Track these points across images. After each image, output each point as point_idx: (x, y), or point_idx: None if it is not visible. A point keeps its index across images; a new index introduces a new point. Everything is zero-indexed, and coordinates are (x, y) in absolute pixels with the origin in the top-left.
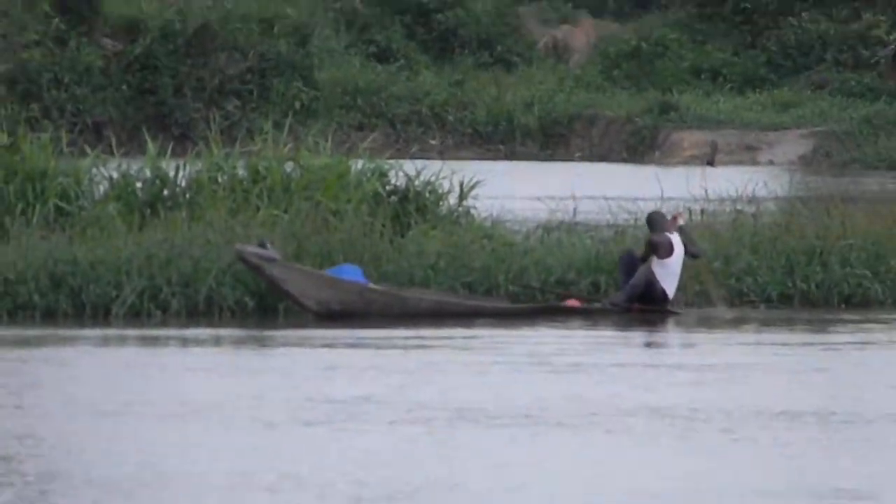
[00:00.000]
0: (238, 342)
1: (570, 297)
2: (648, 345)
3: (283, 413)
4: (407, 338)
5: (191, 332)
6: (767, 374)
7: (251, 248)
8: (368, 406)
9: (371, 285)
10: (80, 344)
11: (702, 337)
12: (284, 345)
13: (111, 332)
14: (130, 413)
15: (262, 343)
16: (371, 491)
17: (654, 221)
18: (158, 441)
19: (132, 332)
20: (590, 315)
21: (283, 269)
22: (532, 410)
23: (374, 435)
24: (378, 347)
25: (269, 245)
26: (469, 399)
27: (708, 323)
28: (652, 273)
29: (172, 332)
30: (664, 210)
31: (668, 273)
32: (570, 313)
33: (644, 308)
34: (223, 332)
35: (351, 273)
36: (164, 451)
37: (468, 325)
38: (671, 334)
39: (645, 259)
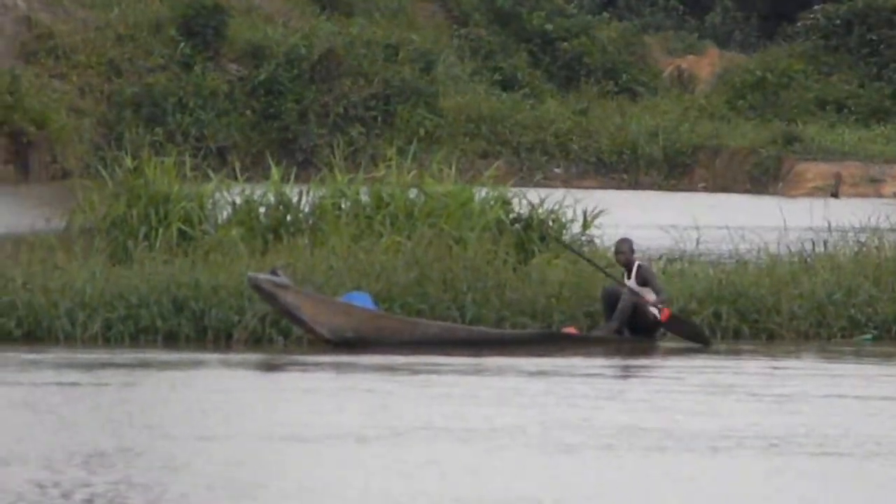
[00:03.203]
0: (420, 368)
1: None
2: (834, 375)
3: (578, 437)
4: (573, 367)
5: (364, 359)
6: None
7: (264, 276)
8: (630, 432)
9: (381, 312)
10: (245, 367)
11: (864, 368)
12: (463, 374)
13: (255, 356)
14: (405, 436)
15: (455, 371)
16: None
17: (629, 248)
18: (456, 466)
19: (296, 357)
20: (588, 343)
21: (296, 296)
22: (773, 441)
23: (666, 462)
24: (555, 375)
25: (280, 273)
26: (719, 426)
27: (829, 353)
28: (639, 296)
29: (324, 358)
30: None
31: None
32: (568, 340)
33: (636, 339)
34: (379, 359)
35: (360, 300)
36: (485, 477)
37: (615, 356)
38: (843, 365)
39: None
